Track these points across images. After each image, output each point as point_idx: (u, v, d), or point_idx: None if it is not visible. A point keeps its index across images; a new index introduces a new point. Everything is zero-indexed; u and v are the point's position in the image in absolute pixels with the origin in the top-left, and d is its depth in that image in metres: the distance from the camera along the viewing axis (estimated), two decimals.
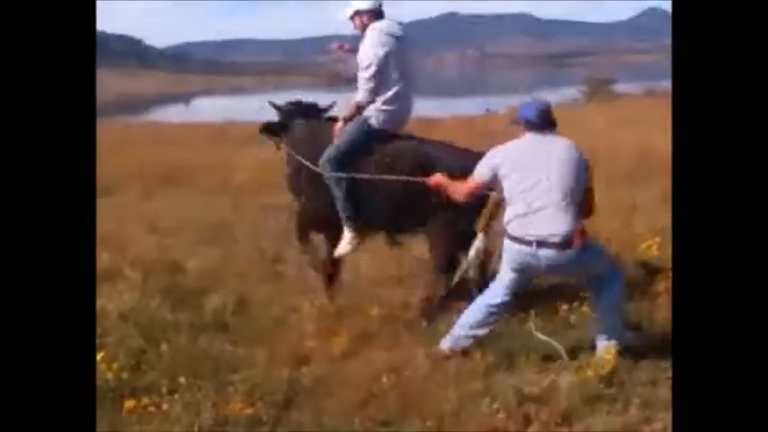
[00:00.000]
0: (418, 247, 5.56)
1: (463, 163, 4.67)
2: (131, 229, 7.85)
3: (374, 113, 5.06)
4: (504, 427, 3.56)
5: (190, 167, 12.26)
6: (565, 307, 4.93)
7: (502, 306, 4.31)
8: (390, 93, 5.03)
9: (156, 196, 10.48)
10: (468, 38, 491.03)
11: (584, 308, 4.89)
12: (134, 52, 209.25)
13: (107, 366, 4.02)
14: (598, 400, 3.78)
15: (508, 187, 4.15)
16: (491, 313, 4.30)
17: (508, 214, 4.14)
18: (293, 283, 5.88)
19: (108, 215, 8.81)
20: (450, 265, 4.96)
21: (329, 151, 5.07)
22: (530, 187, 4.05)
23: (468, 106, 37.45)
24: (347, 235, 5.17)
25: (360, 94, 5.07)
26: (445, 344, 4.35)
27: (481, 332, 4.31)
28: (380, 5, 5.14)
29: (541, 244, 3.99)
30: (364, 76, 5.01)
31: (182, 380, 4.00)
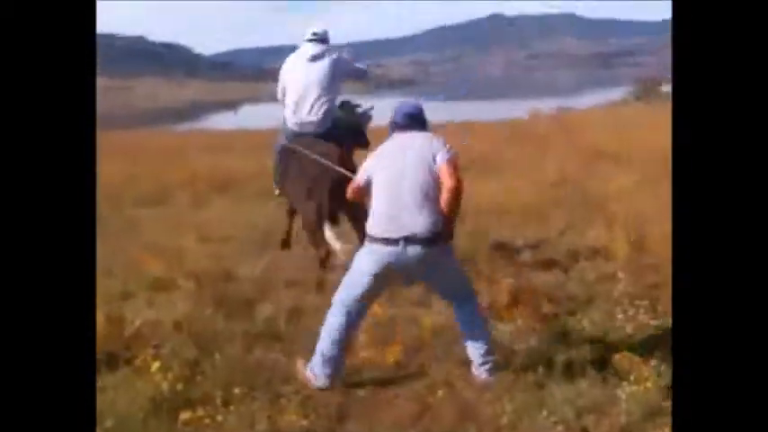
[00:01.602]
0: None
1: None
2: (184, 237, 7.92)
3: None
4: None
5: (240, 175, 12.39)
6: (620, 316, 4.83)
7: (359, 315, 4.22)
8: (290, 109, 6.12)
9: (207, 204, 10.60)
10: (515, 39, 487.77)
11: (642, 316, 4.81)
12: (183, 61, 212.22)
13: (162, 377, 4.04)
14: (660, 413, 3.67)
15: (375, 189, 4.15)
16: (349, 323, 4.17)
17: (372, 216, 4.11)
18: None
19: (160, 224, 8.96)
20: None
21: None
22: (393, 185, 4.04)
23: (514, 108, 37.22)
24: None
25: None
26: (310, 370, 4.18)
27: (337, 351, 4.13)
28: (318, 35, 6.17)
29: (409, 240, 3.93)
30: None
31: (236, 391, 4.01)
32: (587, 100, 43.01)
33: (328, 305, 5.46)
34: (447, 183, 3.95)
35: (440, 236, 3.98)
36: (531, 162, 13.70)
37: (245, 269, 6.56)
